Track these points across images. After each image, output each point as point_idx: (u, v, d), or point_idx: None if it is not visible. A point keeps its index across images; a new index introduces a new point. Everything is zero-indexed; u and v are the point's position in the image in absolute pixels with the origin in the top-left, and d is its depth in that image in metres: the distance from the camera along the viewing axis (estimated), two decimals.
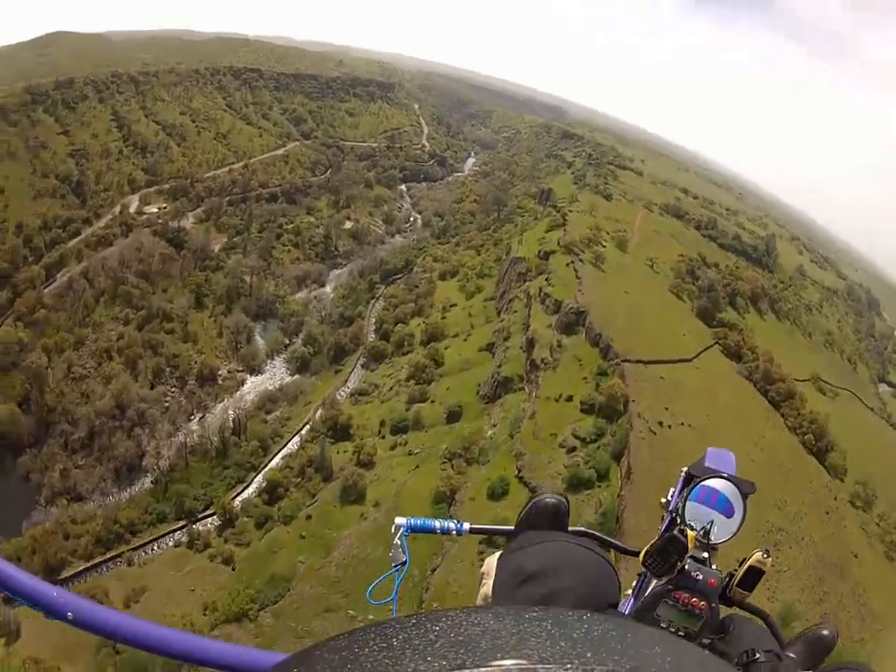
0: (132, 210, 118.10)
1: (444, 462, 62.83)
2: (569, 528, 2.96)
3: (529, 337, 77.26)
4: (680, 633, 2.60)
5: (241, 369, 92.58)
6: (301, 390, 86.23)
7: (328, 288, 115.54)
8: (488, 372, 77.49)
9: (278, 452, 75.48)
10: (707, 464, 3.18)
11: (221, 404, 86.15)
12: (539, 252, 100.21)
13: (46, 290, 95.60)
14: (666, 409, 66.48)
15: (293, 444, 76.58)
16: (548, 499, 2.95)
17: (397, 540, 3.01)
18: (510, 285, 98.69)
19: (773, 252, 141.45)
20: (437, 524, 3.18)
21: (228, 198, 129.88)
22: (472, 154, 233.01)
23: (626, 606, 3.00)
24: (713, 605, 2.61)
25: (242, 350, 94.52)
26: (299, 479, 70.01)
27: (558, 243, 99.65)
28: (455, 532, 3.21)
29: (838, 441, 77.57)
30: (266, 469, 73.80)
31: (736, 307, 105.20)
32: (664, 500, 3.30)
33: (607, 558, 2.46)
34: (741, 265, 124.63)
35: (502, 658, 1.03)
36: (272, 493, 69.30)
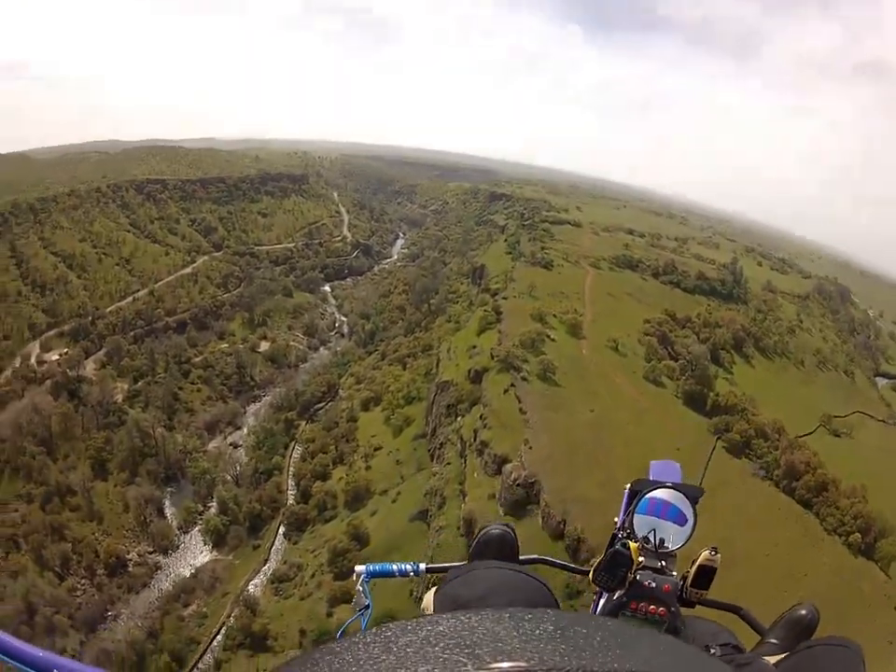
0: (33, 359, 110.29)
1: None
2: (521, 556, 3.08)
3: (467, 518, 64.08)
4: None
5: (152, 550, 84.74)
6: (216, 577, 78.92)
7: (245, 429, 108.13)
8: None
9: (194, 666, 68.13)
10: (651, 477, 3.32)
11: (136, 596, 78.92)
12: (470, 372, 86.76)
13: None
14: None
15: (211, 653, 69.45)
16: (493, 530, 3.01)
17: (359, 587, 3.15)
18: (439, 419, 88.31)
19: (741, 279, 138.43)
20: (395, 567, 3.34)
21: (132, 333, 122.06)
22: (401, 234, 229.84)
23: None
24: (672, 609, 2.70)
25: (151, 526, 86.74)
26: None
27: (492, 356, 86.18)
28: (412, 574, 3.31)
29: (878, 506, 67.23)
30: None
31: (721, 363, 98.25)
32: (615, 520, 3.31)
33: (541, 580, 2.47)
34: (713, 306, 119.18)
35: (502, 661, 1.04)
36: None
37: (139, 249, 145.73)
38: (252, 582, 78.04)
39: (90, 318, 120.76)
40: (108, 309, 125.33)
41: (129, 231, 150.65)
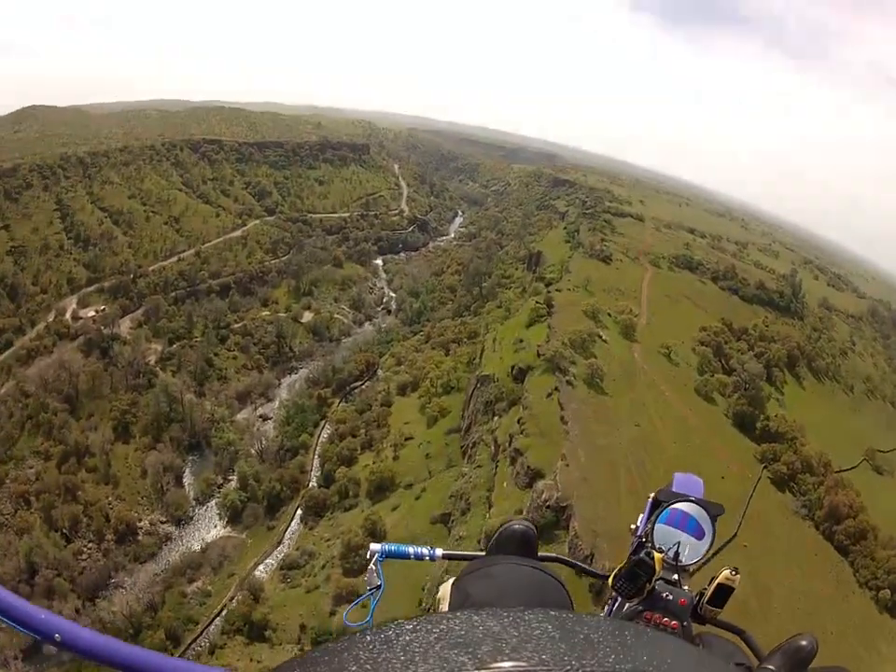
0: (68, 314, 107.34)
1: None
2: (539, 554, 3.02)
3: (489, 533, 55.93)
4: None
5: (164, 520, 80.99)
6: (226, 555, 74.65)
7: (277, 402, 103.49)
8: (435, 574, 54.88)
9: (189, 646, 63.77)
10: (674, 489, 3.25)
11: (142, 567, 75.14)
12: (513, 368, 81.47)
13: None
14: None
15: (207, 636, 65.05)
16: (516, 526, 2.97)
17: (372, 566, 3.02)
18: (476, 415, 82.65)
19: (800, 293, 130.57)
20: (411, 549, 3.19)
21: (173, 293, 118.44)
22: (460, 212, 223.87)
23: None
24: (685, 624, 2.65)
25: (167, 495, 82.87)
26: None
27: (538, 354, 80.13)
28: (428, 558, 3.22)
29: None
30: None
31: (774, 382, 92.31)
32: (633, 526, 3.32)
33: (558, 578, 2.50)
34: (769, 319, 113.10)
35: (502, 660, 1.04)
36: None
37: (189, 209, 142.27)
38: (263, 564, 73.64)
39: (131, 276, 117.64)
40: (151, 268, 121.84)
41: (180, 190, 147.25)
